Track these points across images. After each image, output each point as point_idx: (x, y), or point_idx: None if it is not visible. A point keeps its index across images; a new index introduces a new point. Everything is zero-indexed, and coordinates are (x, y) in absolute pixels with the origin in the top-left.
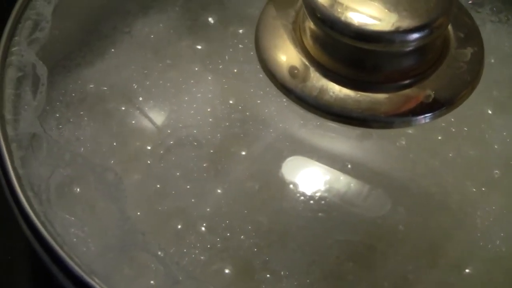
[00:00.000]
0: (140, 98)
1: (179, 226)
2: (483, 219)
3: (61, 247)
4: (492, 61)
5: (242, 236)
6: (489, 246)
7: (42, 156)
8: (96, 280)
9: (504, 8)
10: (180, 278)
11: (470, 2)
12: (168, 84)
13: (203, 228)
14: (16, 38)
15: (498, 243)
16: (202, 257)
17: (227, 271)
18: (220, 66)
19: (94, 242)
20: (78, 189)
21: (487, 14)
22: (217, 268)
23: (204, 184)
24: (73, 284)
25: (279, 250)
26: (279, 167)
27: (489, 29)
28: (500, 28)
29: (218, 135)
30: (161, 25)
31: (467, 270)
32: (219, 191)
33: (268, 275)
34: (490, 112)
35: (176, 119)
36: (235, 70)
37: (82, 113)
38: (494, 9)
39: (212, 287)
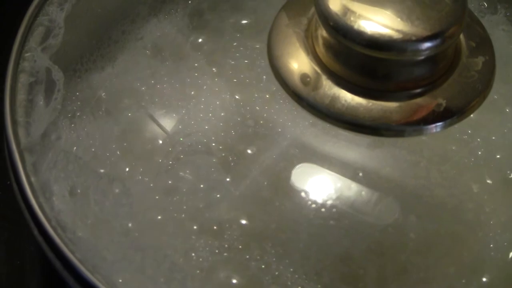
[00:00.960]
0: (151, 104)
1: (186, 232)
2: (496, 227)
3: (73, 253)
4: (505, 69)
5: (251, 243)
6: (502, 255)
7: (54, 162)
8: (106, 286)
9: None
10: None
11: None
12: (179, 90)
13: (211, 235)
14: (28, 43)
15: (508, 252)
16: (208, 262)
17: (234, 280)
18: (231, 72)
19: (106, 247)
20: (90, 195)
21: (499, 22)
22: (224, 275)
23: (214, 190)
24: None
25: (289, 258)
26: (290, 174)
27: (501, 37)
28: None
29: (229, 142)
30: (170, 29)
31: (481, 279)
32: (229, 198)
33: (275, 279)
34: (502, 120)
35: (186, 125)
36: (247, 77)
37: (93, 118)
38: (508, 14)
39: None
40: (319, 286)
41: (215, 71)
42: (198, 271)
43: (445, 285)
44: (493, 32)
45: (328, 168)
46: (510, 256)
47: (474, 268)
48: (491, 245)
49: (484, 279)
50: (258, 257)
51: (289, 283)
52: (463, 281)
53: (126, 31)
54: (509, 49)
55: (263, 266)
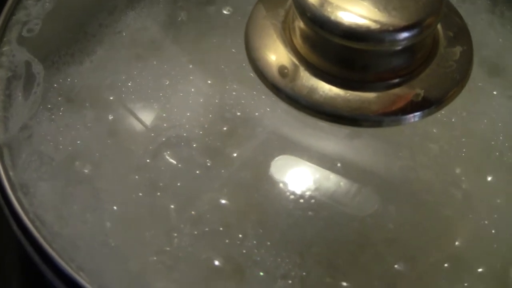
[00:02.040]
0: (128, 97)
1: (167, 224)
2: (475, 217)
3: (51, 246)
4: (482, 58)
5: (232, 234)
6: (481, 244)
7: (32, 157)
8: (84, 277)
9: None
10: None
11: None
12: (157, 83)
13: (192, 226)
14: (6, 38)
15: (490, 241)
16: (190, 248)
17: (216, 263)
18: (209, 65)
19: (83, 240)
20: (69, 189)
21: (478, 11)
22: (206, 258)
23: (194, 183)
24: (62, 282)
25: (268, 248)
26: (269, 166)
27: (480, 26)
28: (492, 25)
29: (208, 134)
30: (148, 22)
31: (461, 268)
32: (208, 190)
33: (257, 272)
34: (481, 109)
35: (165, 118)
36: (225, 70)
37: (72, 112)
38: (488, 1)
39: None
40: (297, 277)
41: (192, 64)
42: (179, 258)
43: (424, 274)
44: (472, 21)
45: (307, 159)
46: (493, 245)
47: (453, 257)
48: (471, 233)
49: (463, 268)
50: (238, 248)
51: (271, 271)
52: (443, 270)
53: (103, 25)
54: (487, 38)
55: (244, 251)
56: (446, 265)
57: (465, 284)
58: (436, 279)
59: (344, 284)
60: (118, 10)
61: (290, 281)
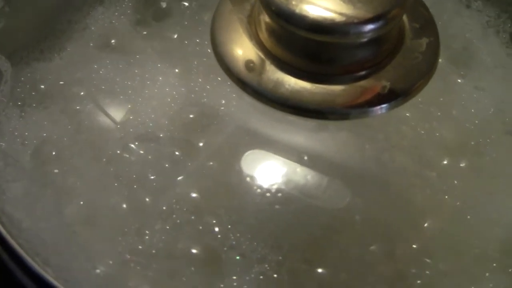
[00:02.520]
0: (97, 92)
1: (133, 224)
2: (441, 206)
3: (16, 241)
4: (449, 49)
5: (200, 227)
6: (446, 233)
7: (2, 153)
8: (50, 272)
9: None
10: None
11: None
12: (125, 79)
13: (163, 220)
14: None
15: (455, 229)
16: (162, 241)
17: (194, 250)
18: (176, 60)
19: (51, 236)
20: (35, 186)
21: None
22: (183, 247)
23: (164, 177)
24: (30, 278)
25: (236, 241)
26: (237, 160)
27: (446, 18)
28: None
29: (176, 129)
30: (116, 16)
31: (425, 259)
32: (177, 184)
33: (229, 261)
34: (448, 100)
35: (134, 114)
36: (192, 64)
37: (41, 108)
38: None
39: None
40: (264, 269)
41: (159, 59)
42: (153, 250)
43: (391, 265)
44: (438, 12)
45: (274, 152)
46: (455, 234)
47: (420, 247)
48: (436, 223)
49: (429, 258)
50: (204, 237)
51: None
52: (410, 260)
53: (72, 21)
54: (454, 29)
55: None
56: (418, 247)
57: (440, 267)
58: (410, 262)
59: (321, 271)
60: (86, 6)
61: (266, 265)
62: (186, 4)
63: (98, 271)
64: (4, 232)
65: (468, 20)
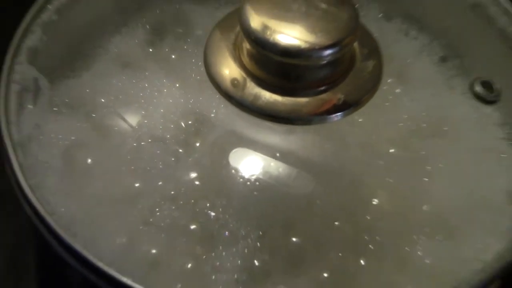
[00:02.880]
0: (116, 102)
1: (146, 203)
2: (385, 188)
3: (53, 219)
4: (390, 70)
5: (197, 209)
6: (390, 208)
7: (39, 151)
8: (78, 243)
9: (407, 24)
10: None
11: (380, 16)
12: (138, 91)
13: (166, 204)
14: (17, 59)
15: (396, 205)
16: (169, 218)
17: (192, 226)
18: (176, 78)
19: (79, 214)
20: (68, 175)
21: (392, 30)
22: (184, 223)
23: (169, 168)
24: (64, 249)
25: (224, 220)
26: (225, 156)
27: (390, 42)
28: (400, 42)
29: (177, 133)
30: (131, 42)
31: (376, 228)
32: (179, 174)
33: (219, 236)
34: (387, 109)
35: (146, 118)
36: (189, 81)
37: (71, 115)
38: (399, 24)
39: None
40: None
41: (164, 75)
42: (162, 224)
43: (347, 234)
44: (383, 40)
45: (253, 150)
46: (397, 212)
47: (371, 220)
48: (385, 207)
49: (377, 238)
50: (199, 218)
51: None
52: (363, 230)
53: (96, 46)
54: (395, 53)
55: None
56: (370, 219)
57: (386, 233)
58: (363, 231)
59: (295, 239)
60: (107, 34)
61: (249, 239)
62: (186, 33)
63: (117, 240)
64: (43, 213)
65: (406, 46)
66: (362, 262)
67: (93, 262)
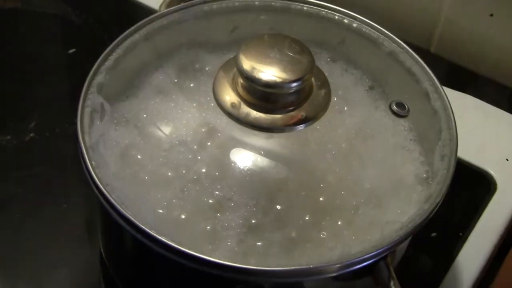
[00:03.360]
0: (154, 117)
1: (177, 184)
2: (334, 173)
3: (110, 194)
4: (336, 96)
5: (210, 189)
6: (338, 188)
7: (104, 152)
8: (130, 213)
9: (346, 65)
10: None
11: (328, 60)
12: (167, 110)
13: (190, 185)
14: (90, 91)
15: (343, 185)
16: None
17: (210, 200)
18: (194, 100)
19: (131, 193)
20: (124, 166)
21: (337, 69)
22: (204, 199)
23: (188, 164)
24: (117, 214)
25: (229, 195)
26: (226, 154)
27: (336, 75)
28: (343, 76)
29: (194, 139)
30: (161, 77)
31: (329, 206)
32: (197, 165)
33: (226, 206)
34: (335, 122)
35: (173, 129)
36: (202, 105)
37: (125, 126)
38: (341, 64)
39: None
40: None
41: (185, 99)
42: (189, 198)
43: (310, 203)
44: (331, 75)
45: (245, 149)
46: (343, 190)
47: (326, 196)
48: (333, 183)
49: (339, 222)
50: (206, 194)
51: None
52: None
53: (140, 81)
54: (340, 84)
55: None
56: (326, 196)
57: (335, 205)
58: (323, 203)
59: (278, 207)
60: (148, 72)
61: (248, 207)
62: (201, 70)
63: (159, 211)
64: (105, 192)
65: (346, 79)
66: (321, 222)
67: (139, 225)
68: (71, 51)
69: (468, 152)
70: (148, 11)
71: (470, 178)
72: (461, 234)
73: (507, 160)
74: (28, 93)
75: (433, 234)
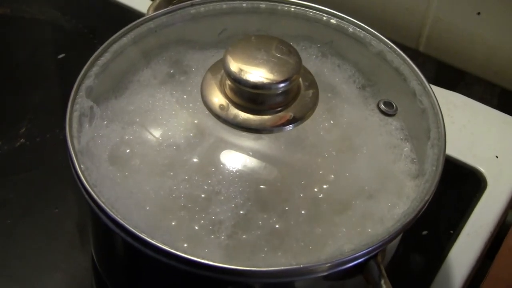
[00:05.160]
0: (143, 117)
1: (171, 180)
2: (323, 171)
3: (98, 196)
4: (324, 96)
5: (204, 186)
6: (327, 185)
7: (92, 156)
8: (118, 215)
9: (340, 61)
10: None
11: (317, 59)
12: (159, 112)
13: (181, 184)
14: (78, 95)
15: (332, 183)
16: (181, 195)
17: (202, 195)
18: (184, 103)
19: (118, 193)
20: (115, 167)
21: (322, 68)
22: (196, 193)
23: (183, 159)
24: (105, 217)
25: (219, 189)
26: (217, 152)
27: (325, 75)
28: (331, 77)
29: (186, 140)
30: (153, 78)
31: (323, 202)
32: (190, 162)
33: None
34: (322, 120)
35: (165, 130)
36: (191, 106)
37: (113, 124)
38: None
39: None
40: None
41: (176, 102)
42: (181, 196)
43: (299, 197)
44: (318, 75)
45: (235, 150)
46: (330, 187)
47: (316, 192)
48: (323, 180)
49: (329, 221)
50: (198, 188)
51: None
52: (311, 196)
53: (130, 80)
54: (328, 83)
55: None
56: (315, 192)
57: (323, 201)
58: (317, 199)
59: (268, 207)
60: (136, 72)
61: (237, 200)
62: (190, 74)
63: (149, 213)
64: (94, 195)
65: (337, 78)
66: (311, 221)
67: (128, 228)
68: (60, 56)
69: (458, 150)
70: (137, 15)
71: (460, 175)
72: (452, 232)
73: (497, 157)
74: (18, 99)
75: (424, 232)
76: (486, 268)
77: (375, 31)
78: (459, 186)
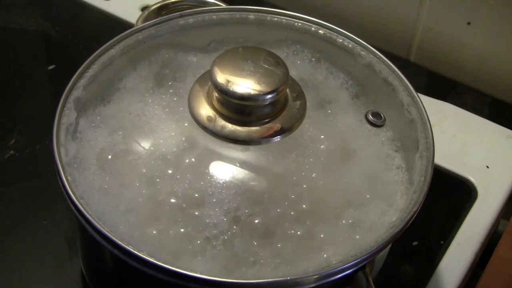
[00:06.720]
0: (129, 123)
1: (158, 192)
2: (313, 179)
3: (83, 206)
4: (312, 106)
5: (195, 194)
6: (317, 193)
7: (79, 166)
8: (101, 224)
9: (326, 76)
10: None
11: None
12: (147, 121)
13: (169, 193)
14: (66, 106)
15: (321, 191)
16: (169, 207)
17: (196, 195)
18: (172, 114)
19: (102, 203)
20: (98, 175)
21: (313, 81)
22: (188, 194)
23: (171, 167)
24: (90, 227)
25: (211, 193)
26: (205, 163)
27: (313, 85)
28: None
29: (173, 150)
30: (141, 86)
31: (305, 206)
32: (179, 170)
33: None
34: (309, 131)
35: (152, 139)
36: (179, 118)
37: (100, 129)
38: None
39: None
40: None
41: (164, 113)
42: (167, 207)
43: (289, 204)
44: (305, 86)
45: (222, 161)
46: (322, 194)
47: (308, 202)
48: (313, 188)
49: (317, 232)
50: (187, 192)
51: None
52: (300, 204)
53: (116, 87)
54: (315, 96)
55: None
56: (308, 201)
57: (313, 209)
58: (300, 204)
59: (256, 218)
60: (127, 84)
61: (229, 204)
62: (177, 85)
63: (136, 226)
64: (81, 208)
65: (325, 88)
66: (299, 231)
67: (116, 240)
68: (50, 67)
69: (448, 160)
70: (127, 26)
71: (451, 185)
72: (442, 242)
73: (488, 167)
74: (8, 110)
75: (415, 243)
76: (477, 278)
77: (365, 41)
78: (449, 196)
